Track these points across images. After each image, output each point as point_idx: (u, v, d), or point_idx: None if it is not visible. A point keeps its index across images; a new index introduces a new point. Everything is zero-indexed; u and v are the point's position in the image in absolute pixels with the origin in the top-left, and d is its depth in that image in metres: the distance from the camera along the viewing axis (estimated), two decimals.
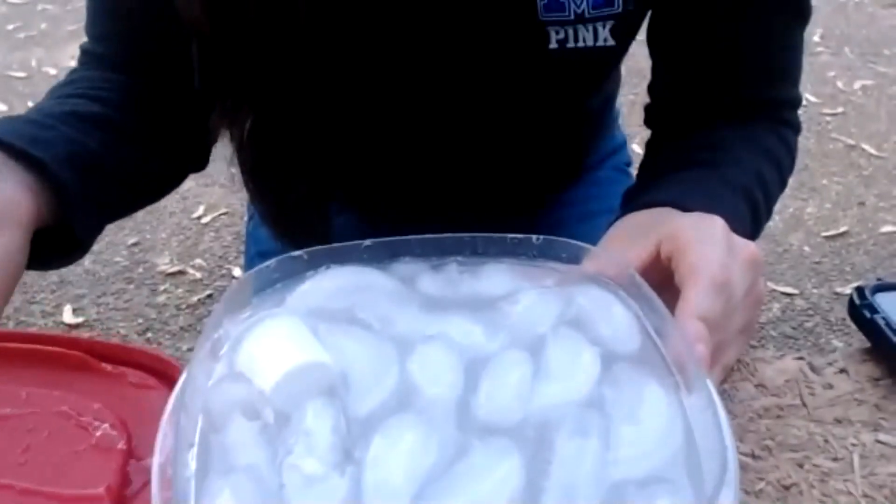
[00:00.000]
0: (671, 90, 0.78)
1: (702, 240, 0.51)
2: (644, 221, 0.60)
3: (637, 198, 0.65)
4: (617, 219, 0.64)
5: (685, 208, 0.59)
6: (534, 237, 0.53)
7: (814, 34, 3.26)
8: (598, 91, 0.88)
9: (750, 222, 0.67)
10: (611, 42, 0.68)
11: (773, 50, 0.73)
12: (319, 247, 0.52)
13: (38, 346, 0.56)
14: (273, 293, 0.51)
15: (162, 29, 0.66)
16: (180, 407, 0.41)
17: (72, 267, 1.99)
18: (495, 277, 0.52)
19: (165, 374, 0.55)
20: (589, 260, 0.52)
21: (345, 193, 0.88)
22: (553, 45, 0.67)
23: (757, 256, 0.53)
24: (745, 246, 0.53)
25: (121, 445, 0.50)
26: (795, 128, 0.78)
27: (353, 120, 0.75)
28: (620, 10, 0.66)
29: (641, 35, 0.76)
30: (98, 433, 0.51)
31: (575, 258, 0.52)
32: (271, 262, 0.51)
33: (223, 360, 0.45)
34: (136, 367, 0.55)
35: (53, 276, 1.99)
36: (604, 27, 0.67)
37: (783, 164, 0.75)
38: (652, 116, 0.81)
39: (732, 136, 0.72)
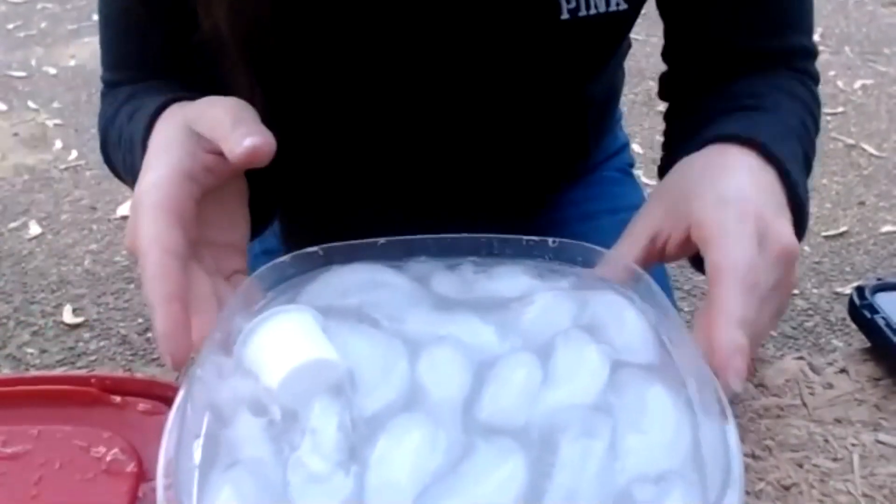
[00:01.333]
0: (689, 49, 0.76)
1: (729, 233, 0.50)
2: (687, 185, 0.56)
3: (700, 133, 0.61)
4: (673, 159, 0.60)
5: (754, 143, 0.56)
6: (550, 240, 0.53)
7: (814, 33, 3.26)
8: (604, 71, 0.87)
9: (803, 168, 0.64)
10: (623, 6, 0.67)
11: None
12: (335, 243, 0.52)
13: (48, 387, 0.57)
14: (286, 288, 0.51)
15: (178, 44, 0.66)
16: (187, 399, 0.41)
17: (71, 267, 2.00)
18: (510, 279, 0.52)
19: (174, 401, 0.55)
20: (603, 265, 0.52)
21: (346, 189, 0.88)
22: (565, 16, 0.67)
23: (790, 250, 0.50)
24: (777, 239, 0.50)
25: (131, 468, 0.50)
26: (816, 78, 0.76)
27: (356, 101, 0.74)
28: None
29: (641, 35, 0.76)
30: (108, 459, 0.51)
31: (590, 262, 0.52)
32: (287, 256, 0.51)
33: (233, 355, 0.46)
34: (146, 397, 0.56)
35: (53, 276, 1.99)
36: None
37: (815, 113, 0.72)
38: (670, 83, 0.79)
39: (764, 84, 0.71)
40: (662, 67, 0.80)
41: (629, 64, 0.94)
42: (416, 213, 0.85)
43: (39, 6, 3.82)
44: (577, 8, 0.66)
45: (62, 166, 2.48)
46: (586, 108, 0.88)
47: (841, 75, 2.98)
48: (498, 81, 0.74)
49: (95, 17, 0.75)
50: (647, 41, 2.17)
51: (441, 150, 0.81)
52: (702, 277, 2.06)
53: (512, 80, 0.74)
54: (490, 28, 0.69)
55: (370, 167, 0.84)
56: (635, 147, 2.39)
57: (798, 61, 0.75)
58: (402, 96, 0.75)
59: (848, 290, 1.82)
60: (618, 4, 0.67)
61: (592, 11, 0.67)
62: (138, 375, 0.60)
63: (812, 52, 0.76)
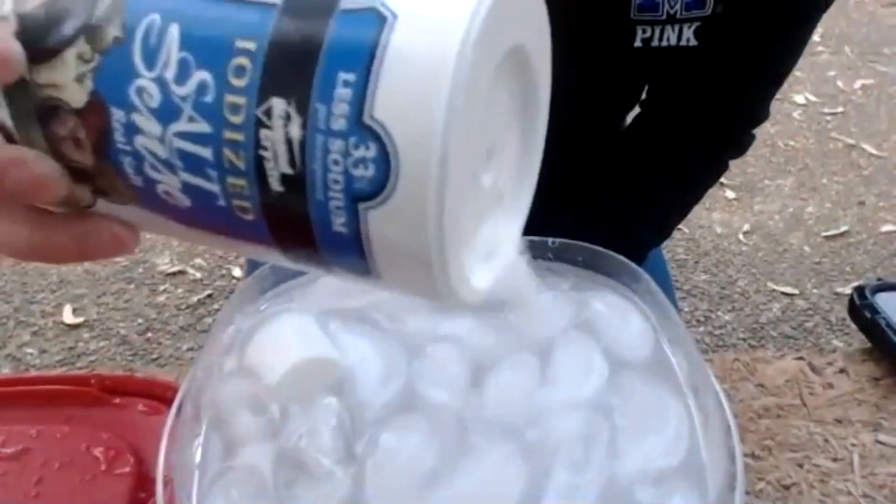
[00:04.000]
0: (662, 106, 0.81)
1: None
2: None
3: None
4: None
5: None
6: (549, 240, 0.53)
7: (814, 33, 3.26)
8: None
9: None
10: (693, 42, 0.69)
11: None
12: None
13: (48, 387, 0.57)
14: (287, 289, 0.51)
15: None
16: (187, 399, 0.41)
17: (72, 267, 1.99)
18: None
19: (174, 401, 0.55)
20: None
21: None
22: (637, 44, 0.68)
23: None
24: None
25: (131, 468, 0.50)
26: (743, 145, 0.83)
27: None
28: (710, 12, 0.67)
29: None
30: (108, 459, 0.51)
31: (591, 262, 0.52)
32: None
33: (233, 355, 0.46)
34: (146, 397, 0.56)
35: (53, 276, 1.99)
36: (689, 27, 0.68)
37: (701, 187, 0.85)
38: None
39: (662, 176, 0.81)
40: None
41: None
42: None
43: None
44: (651, 38, 0.68)
45: None
46: (616, 132, 0.89)
47: (841, 75, 2.98)
48: (563, 99, 0.75)
49: None
50: None
51: None
52: (702, 277, 2.05)
53: (575, 101, 0.76)
54: (565, 49, 0.71)
55: None
56: None
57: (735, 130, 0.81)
58: None
59: (848, 290, 1.82)
60: (688, 40, 0.68)
61: (664, 44, 0.68)
62: (138, 375, 0.60)
63: (756, 119, 0.81)
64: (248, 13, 0.23)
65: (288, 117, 0.23)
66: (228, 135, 0.23)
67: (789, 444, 0.59)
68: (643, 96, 0.82)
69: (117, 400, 0.56)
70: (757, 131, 0.82)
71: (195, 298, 1.91)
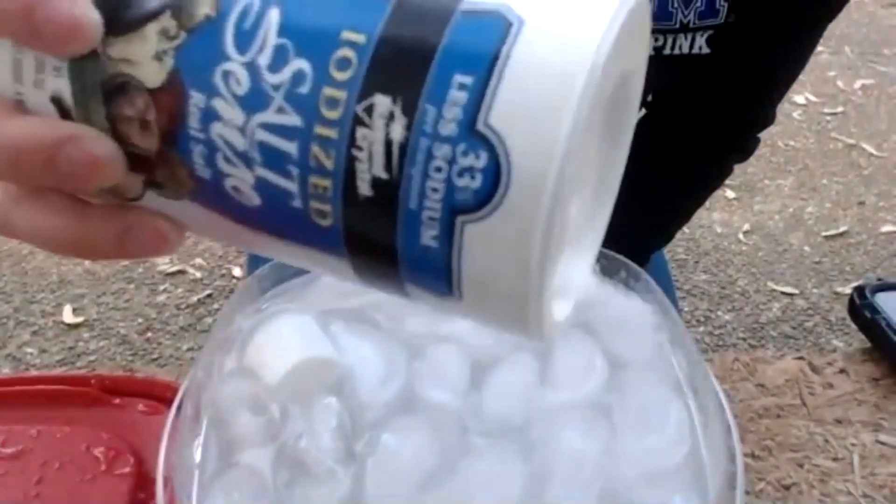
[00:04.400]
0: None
1: None
2: None
3: None
4: None
5: None
6: None
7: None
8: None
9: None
10: (706, 50, 0.69)
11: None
12: None
13: (48, 387, 0.57)
14: (287, 289, 0.51)
15: None
16: (187, 399, 0.41)
17: (72, 267, 1.99)
18: None
19: (174, 401, 0.55)
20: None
21: None
22: (650, 52, 0.69)
23: None
24: None
25: (131, 468, 0.50)
26: (748, 148, 0.83)
27: None
28: (722, 21, 0.67)
29: None
30: (108, 459, 0.51)
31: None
32: None
33: (233, 354, 0.46)
34: (146, 397, 0.56)
35: (53, 276, 1.99)
36: (702, 35, 0.68)
37: (705, 188, 0.85)
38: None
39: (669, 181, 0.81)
40: None
41: None
42: None
43: None
44: (663, 46, 0.68)
45: None
46: None
47: (841, 75, 2.98)
48: None
49: None
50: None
51: None
52: (702, 277, 2.05)
53: None
54: None
55: None
56: None
57: (741, 132, 0.81)
58: None
59: (848, 290, 1.82)
60: (700, 48, 0.68)
61: (676, 51, 0.68)
62: (138, 375, 0.60)
63: (762, 123, 0.81)
64: (358, 4, 0.22)
65: (391, 117, 0.21)
66: (320, 130, 0.22)
67: (789, 444, 0.59)
68: (648, 99, 0.82)
69: (117, 400, 0.56)
70: (761, 134, 0.83)
71: (195, 298, 1.91)
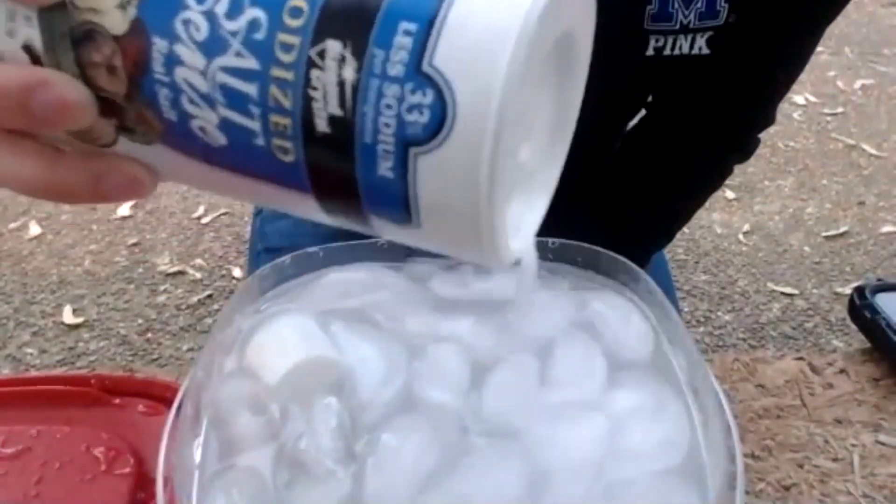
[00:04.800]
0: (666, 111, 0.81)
1: None
2: None
3: None
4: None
5: None
6: (549, 240, 0.53)
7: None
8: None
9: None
10: (706, 51, 0.69)
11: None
12: (335, 244, 0.52)
13: (48, 388, 0.57)
14: (287, 289, 0.51)
15: None
16: (187, 399, 0.41)
17: (71, 267, 1.99)
18: (509, 279, 0.52)
19: (174, 401, 0.55)
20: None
21: None
22: (650, 52, 0.69)
23: None
24: None
25: (131, 469, 0.50)
26: (748, 148, 0.83)
27: None
28: (722, 22, 0.67)
29: None
30: (108, 459, 0.51)
31: (591, 262, 0.52)
32: (286, 257, 0.51)
33: (233, 355, 0.46)
34: (146, 397, 0.56)
35: (53, 276, 1.99)
36: (702, 36, 0.68)
37: (707, 187, 0.85)
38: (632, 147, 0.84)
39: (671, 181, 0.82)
40: None
41: None
42: None
43: None
44: (663, 47, 0.69)
45: None
46: (620, 135, 0.89)
47: (841, 75, 2.98)
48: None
49: None
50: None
51: None
52: (702, 277, 2.05)
53: (584, 106, 0.76)
54: None
55: None
56: None
57: (741, 132, 0.81)
58: None
59: (848, 290, 1.82)
60: (700, 49, 0.69)
61: (676, 52, 0.68)
62: (138, 375, 0.60)
63: (763, 123, 0.81)
64: None
65: (342, 59, 0.23)
66: (277, 73, 0.23)
67: (789, 444, 0.59)
68: (649, 99, 0.82)
69: (117, 400, 0.56)
70: (761, 134, 0.83)
71: (195, 298, 1.91)
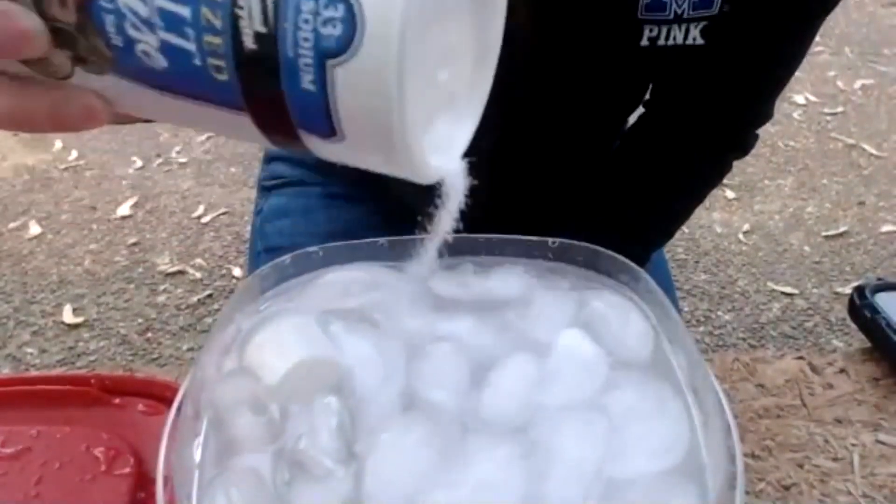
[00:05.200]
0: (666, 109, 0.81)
1: None
2: None
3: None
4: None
5: None
6: (549, 240, 0.53)
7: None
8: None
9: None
10: (700, 41, 0.69)
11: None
12: (335, 243, 0.52)
13: (48, 387, 0.57)
14: (287, 289, 0.51)
15: None
16: (187, 399, 0.41)
17: (71, 267, 2.00)
18: (509, 279, 0.52)
19: (174, 401, 0.55)
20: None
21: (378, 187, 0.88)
22: (644, 43, 0.69)
23: None
24: None
25: (131, 468, 0.50)
26: (746, 145, 0.83)
27: None
28: (717, 12, 0.67)
29: None
30: (108, 459, 0.51)
31: (591, 262, 0.52)
32: (286, 257, 0.51)
33: (233, 354, 0.45)
34: (146, 397, 0.56)
35: (53, 276, 1.99)
36: (696, 26, 0.68)
37: (705, 186, 0.86)
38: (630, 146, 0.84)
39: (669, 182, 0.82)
40: None
41: None
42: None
43: None
44: (657, 37, 0.69)
45: (62, 166, 2.48)
46: (620, 132, 0.89)
47: (841, 75, 2.98)
48: (568, 98, 0.75)
49: None
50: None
51: (497, 159, 0.81)
52: (702, 277, 2.04)
53: (580, 100, 0.75)
54: (572, 48, 0.71)
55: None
56: None
57: (739, 129, 0.81)
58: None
59: (848, 290, 1.82)
60: (694, 39, 0.69)
61: (670, 42, 0.68)
62: (138, 375, 0.60)
63: (760, 119, 0.81)
64: None
65: None
66: None
67: (789, 444, 0.59)
68: (647, 96, 0.82)
69: (117, 400, 0.56)
70: (758, 131, 0.82)
71: (195, 298, 1.91)
